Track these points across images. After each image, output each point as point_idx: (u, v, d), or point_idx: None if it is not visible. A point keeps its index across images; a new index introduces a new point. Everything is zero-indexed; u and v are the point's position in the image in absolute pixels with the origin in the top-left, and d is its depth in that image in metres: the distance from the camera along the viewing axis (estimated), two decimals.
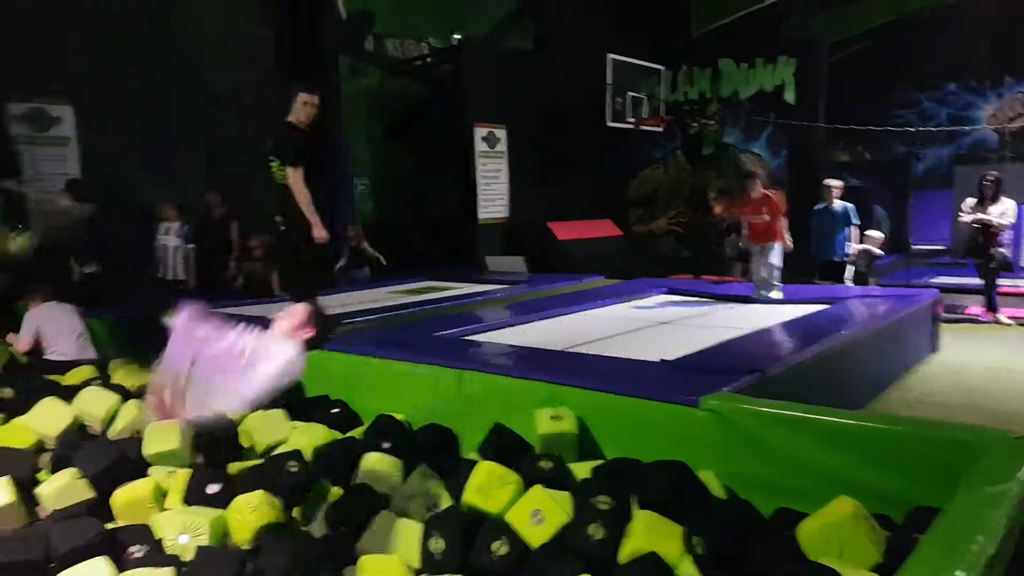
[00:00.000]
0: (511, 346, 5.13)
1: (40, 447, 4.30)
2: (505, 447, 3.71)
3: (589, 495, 3.15)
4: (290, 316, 3.63)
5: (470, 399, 4.38)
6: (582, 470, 3.58)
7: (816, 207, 8.51)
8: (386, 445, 4.10)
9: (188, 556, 3.20)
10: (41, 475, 4.01)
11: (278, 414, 4.56)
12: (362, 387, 4.94)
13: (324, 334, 3.85)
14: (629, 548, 2.85)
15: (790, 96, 12.53)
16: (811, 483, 3.12)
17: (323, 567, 2.91)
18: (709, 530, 2.82)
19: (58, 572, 2.89)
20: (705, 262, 11.24)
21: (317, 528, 3.54)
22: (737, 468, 3.39)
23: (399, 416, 4.54)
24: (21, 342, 6.15)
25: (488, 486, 3.21)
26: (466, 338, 5.48)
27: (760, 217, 6.81)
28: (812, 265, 8.48)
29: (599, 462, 3.65)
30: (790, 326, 5.60)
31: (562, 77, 11.92)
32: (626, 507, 3.12)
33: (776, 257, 6.86)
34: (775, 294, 6.91)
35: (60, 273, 7.10)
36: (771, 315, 6.22)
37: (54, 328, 6.18)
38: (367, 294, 7.84)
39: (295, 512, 3.65)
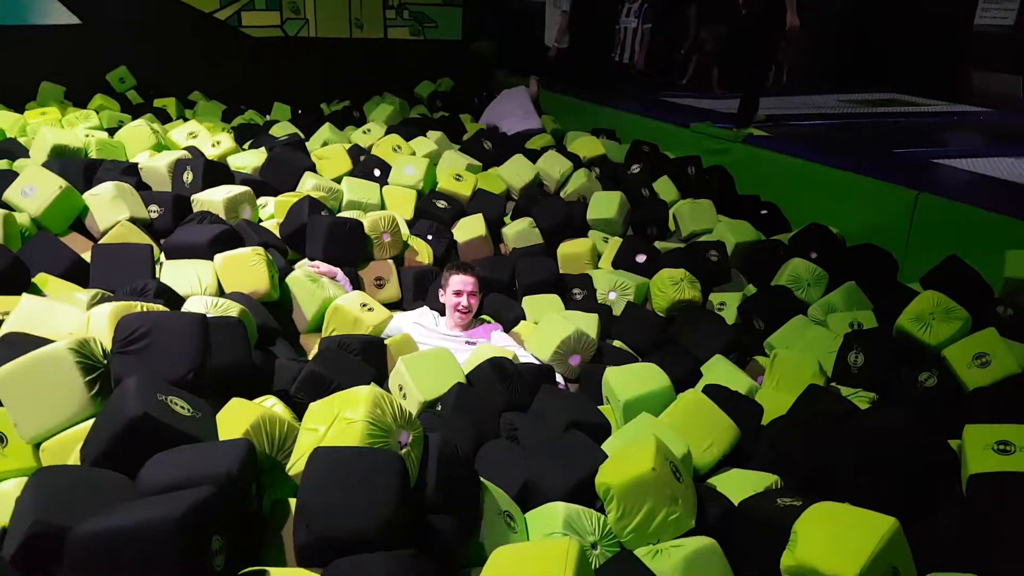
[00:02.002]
0: (987, 177, 4.37)
1: (507, 195, 5.06)
2: (957, 282, 3.26)
3: None
4: None
5: (922, 225, 3.93)
6: None
7: None
8: (814, 255, 3.95)
9: (616, 311, 3.59)
10: (505, 219, 4.75)
11: (707, 204, 4.63)
12: (798, 193, 4.71)
13: None
14: None
15: None
16: None
17: (733, 349, 3.00)
18: None
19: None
20: None
21: (727, 316, 3.63)
22: None
23: (833, 229, 4.29)
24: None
25: (929, 316, 2.89)
26: (932, 160, 4.75)
27: None
28: None
29: None
30: None
31: None
32: None
33: None
34: None
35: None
36: None
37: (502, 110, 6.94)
38: (814, 100, 7.17)
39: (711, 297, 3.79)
